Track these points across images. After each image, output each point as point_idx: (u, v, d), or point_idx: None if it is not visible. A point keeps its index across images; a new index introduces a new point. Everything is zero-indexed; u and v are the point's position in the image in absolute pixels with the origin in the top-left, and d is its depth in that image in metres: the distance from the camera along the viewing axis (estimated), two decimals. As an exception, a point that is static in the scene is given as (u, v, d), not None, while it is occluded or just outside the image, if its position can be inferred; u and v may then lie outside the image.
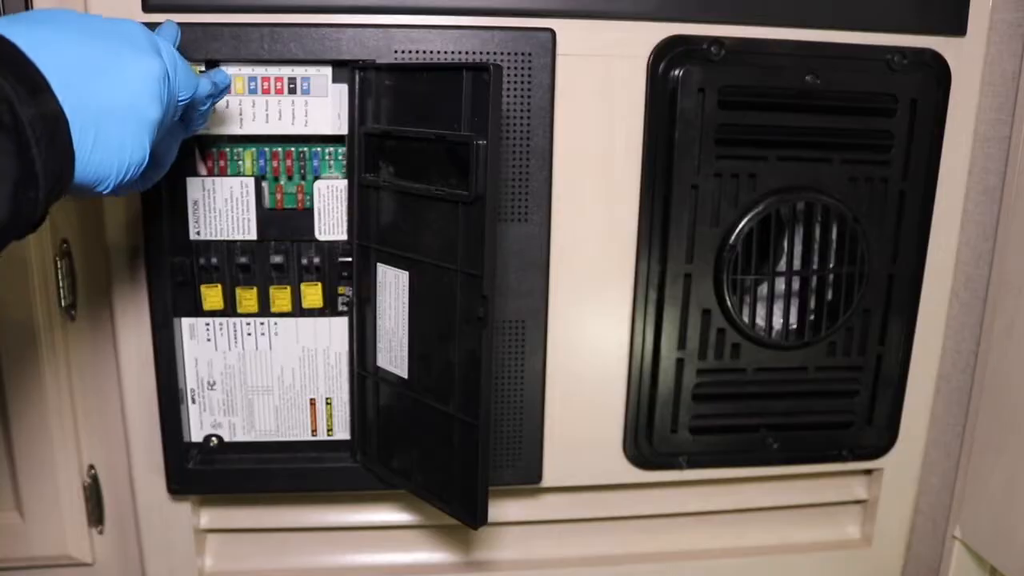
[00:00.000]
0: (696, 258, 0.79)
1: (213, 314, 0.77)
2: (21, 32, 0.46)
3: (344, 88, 0.73)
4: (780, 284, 0.83)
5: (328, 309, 0.78)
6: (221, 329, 0.77)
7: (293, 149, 0.76)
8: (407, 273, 0.72)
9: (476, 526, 0.70)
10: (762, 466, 0.88)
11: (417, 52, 0.72)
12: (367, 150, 0.72)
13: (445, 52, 0.72)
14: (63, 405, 0.81)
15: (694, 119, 0.76)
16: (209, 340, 0.78)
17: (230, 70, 0.72)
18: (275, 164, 0.75)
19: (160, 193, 0.73)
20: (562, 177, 0.77)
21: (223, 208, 0.74)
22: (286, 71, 0.73)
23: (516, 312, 0.78)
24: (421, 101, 0.68)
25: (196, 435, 0.80)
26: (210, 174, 0.75)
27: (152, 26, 0.60)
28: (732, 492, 0.91)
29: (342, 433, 0.81)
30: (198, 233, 0.75)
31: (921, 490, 0.93)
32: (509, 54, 0.73)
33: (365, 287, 0.76)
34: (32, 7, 0.72)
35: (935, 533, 0.92)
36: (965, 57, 0.80)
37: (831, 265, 0.82)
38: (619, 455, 0.85)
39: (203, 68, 0.70)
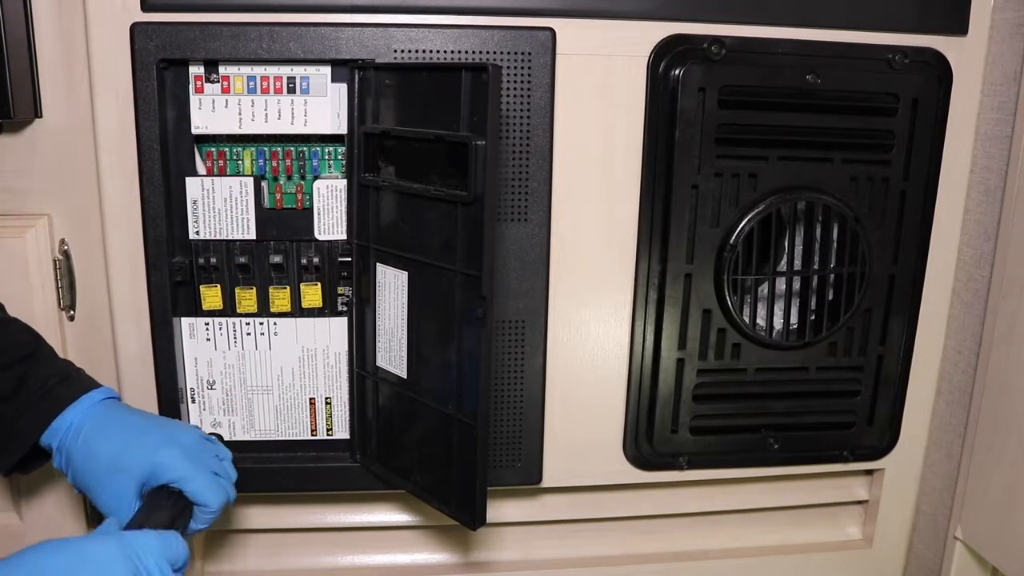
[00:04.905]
0: (696, 258, 0.79)
1: (212, 314, 0.77)
2: None
3: (343, 88, 0.73)
4: (781, 284, 0.83)
5: (328, 309, 0.78)
6: (220, 329, 0.77)
7: (292, 149, 0.75)
8: (406, 273, 0.72)
9: (475, 527, 0.70)
10: (763, 466, 0.88)
11: (416, 52, 0.72)
12: (366, 150, 0.72)
13: (445, 52, 0.72)
14: (63, 405, 0.81)
15: (694, 119, 0.76)
16: (209, 340, 0.77)
17: (229, 69, 0.72)
18: (274, 164, 0.75)
19: (159, 193, 0.73)
20: (562, 177, 0.77)
21: (222, 208, 0.74)
22: (285, 70, 0.73)
23: (516, 312, 0.78)
24: (420, 101, 0.68)
25: (196, 435, 0.80)
26: (209, 174, 0.75)
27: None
28: (733, 492, 0.91)
29: (342, 433, 0.81)
30: (197, 233, 0.75)
31: (922, 490, 0.93)
32: (509, 54, 0.73)
33: (364, 287, 0.75)
34: (31, 8, 0.72)
35: (936, 534, 0.92)
36: (966, 56, 0.80)
37: (832, 265, 0.81)
38: (619, 455, 0.85)
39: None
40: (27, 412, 0.65)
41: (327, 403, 0.80)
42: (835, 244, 0.81)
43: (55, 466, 0.66)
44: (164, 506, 0.62)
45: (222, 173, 0.75)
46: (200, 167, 0.75)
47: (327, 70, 0.73)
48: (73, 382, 0.67)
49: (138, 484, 0.63)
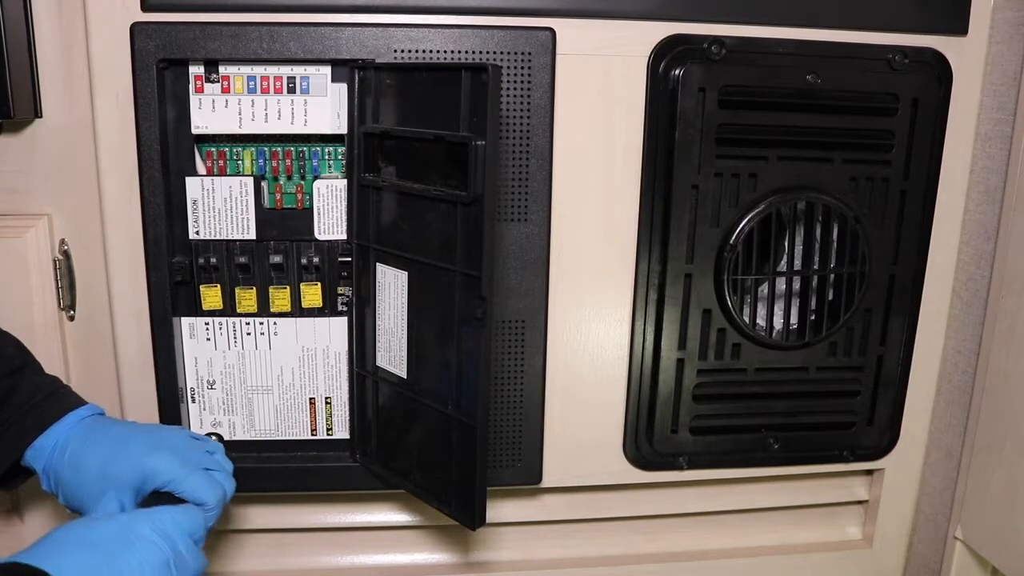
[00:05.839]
0: (696, 258, 0.79)
1: (212, 314, 0.77)
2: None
3: (343, 87, 0.73)
4: (781, 284, 0.83)
5: (328, 309, 0.78)
6: (221, 329, 0.77)
7: (292, 149, 0.75)
8: (406, 273, 0.72)
9: (474, 527, 0.70)
10: (763, 466, 0.88)
11: (416, 51, 0.72)
12: (366, 150, 0.72)
13: (445, 51, 0.72)
14: (63, 405, 0.81)
15: (694, 119, 0.76)
16: (209, 339, 0.77)
17: (229, 69, 0.72)
18: (274, 164, 0.75)
19: (159, 193, 0.73)
20: (562, 177, 0.77)
21: (222, 208, 0.74)
22: (285, 70, 0.73)
23: (516, 312, 0.78)
24: (420, 101, 0.68)
25: (196, 435, 0.80)
26: (209, 174, 0.75)
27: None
28: (733, 492, 0.91)
29: (342, 432, 0.81)
30: (197, 233, 0.75)
31: (922, 490, 0.93)
32: (509, 53, 0.73)
33: (364, 287, 0.76)
34: (31, 8, 0.72)
35: (936, 533, 0.92)
36: (967, 56, 0.80)
37: (832, 265, 0.81)
38: (619, 455, 0.85)
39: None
40: (11, 428, 0.64)
41: (327, 403, 0.80)
42: (835, 244, 0.81)
43: (44, 488, 0.65)
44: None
45: (222, 173, 0.75)
46: (200, 167, 0.75)
47: (327, 70, 0.73)
48: (59, 399, 0.66)
49: (131, 493, 0.63)
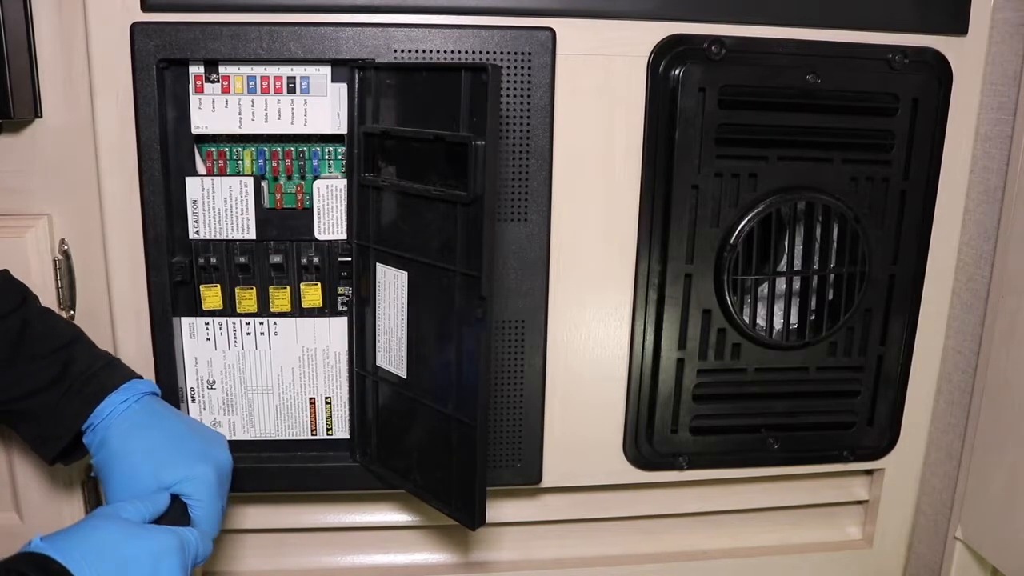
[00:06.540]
0: (696, 258, 0.79)
1: (212, 314, 0.77)
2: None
3: (343, 87, 0.73)
4: (781, 284, 0.83)
5: (328, 309, 0.78)
6: (221, 329, 0.77)
7: (292, 148, 0.75)
8: (406, 273, 0.72)
9: (474, 527, 0.70)
10: (763, 466, 0.88)
11: (417, 51, 0.72)
12: (366, 150, 0.72)
13: (445, 51, 0.72)
14: (63, 405, 0.81)
15: (694, 119, 0.76)
16: (209, 339, 0.77)
17: (229, 69, 0.72)
18: (274, 164, 0.75)
19: (159, 193, 0.73)
20: (562, 177, 0.77)
21: (222, 208, 0.74)
22: (285, 70, 0.73)
23: (516, 312, 0.78)
24: (420, 101, 0.68)
25: (196, 435, 0.80)
26: (209, 174, 0.75)
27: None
28: (733, 493, 0.91)
29: (342, 433, 0.81)
30: (197, 233, 0.75)
31: (922, 490, 0.93)
32: (509, 53, 0.73)
33: (364, 287, 0.76)
34: (31, 8, 0.72)
35: (936, 533, 0.92)
36: (967, 56, 0.80)
37: (832, 265, 0.81)
38: (619, 455, 0.85)
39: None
40: (73, 397, 0.66)
41: (327, 403, 0.80)
42: (835, 244, 0.81)
43: (84, 442, 0.67)
44: (180, 519, 0.63)
45: (222, 173, 0.75)
46: (200, 167, 0.75)
47: (327, 70, 0.73)
48: (114, 368, 0.69)
49: (165, 488, 0.64)
